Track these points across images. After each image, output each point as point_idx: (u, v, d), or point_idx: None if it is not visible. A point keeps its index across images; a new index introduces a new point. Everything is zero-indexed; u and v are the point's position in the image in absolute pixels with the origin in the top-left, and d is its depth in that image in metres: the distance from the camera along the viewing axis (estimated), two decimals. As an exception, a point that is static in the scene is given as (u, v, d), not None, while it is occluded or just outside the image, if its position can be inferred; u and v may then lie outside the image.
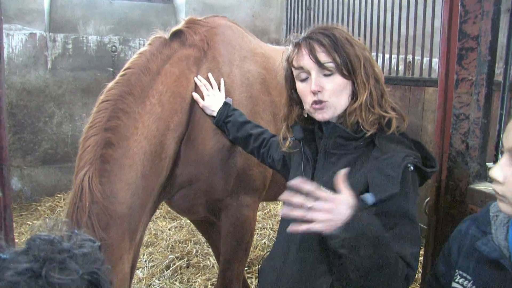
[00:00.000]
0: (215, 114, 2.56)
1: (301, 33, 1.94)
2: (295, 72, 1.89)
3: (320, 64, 1.78)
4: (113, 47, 6.36)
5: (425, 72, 5.11)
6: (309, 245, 1.86)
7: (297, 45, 1.86)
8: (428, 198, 2.25)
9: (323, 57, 1.78)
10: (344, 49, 1.78)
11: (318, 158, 1.95)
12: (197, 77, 2.62)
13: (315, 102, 1.82)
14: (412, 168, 1.68)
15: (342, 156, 1.85)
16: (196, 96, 2.57)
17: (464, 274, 1.59)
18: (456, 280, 1.61)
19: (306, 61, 1.81)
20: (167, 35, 2.61)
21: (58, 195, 6.17)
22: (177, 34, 2.63)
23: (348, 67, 1.79)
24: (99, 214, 2.07)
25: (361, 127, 1.79)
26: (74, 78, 6.24)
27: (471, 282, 1.55)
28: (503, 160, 1.38)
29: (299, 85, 1.89)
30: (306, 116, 2.00)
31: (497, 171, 1.38)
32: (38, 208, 5.87)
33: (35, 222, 5.44)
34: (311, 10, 6.65)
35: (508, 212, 1.42)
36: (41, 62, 6.05)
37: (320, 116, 1.84)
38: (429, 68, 4.98)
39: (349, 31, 1.88)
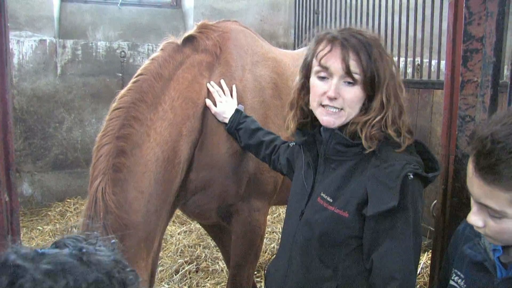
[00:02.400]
0: (227, 120, 2.55)
1: (334, 28, 1.88)
2: (316, 68, 1.83)
3: (348, 72, 1.74)
4: (122, 53, 6.40)
5: (434, 75, 5.09)
6: (311, 250, 1.86)
7: (331, 43, 1.79)
8: (436, 201, 2.23)
9: (353, 66, 1.74)
10: (376, 63, 1.75)
11: (319, 163, 1.94)
12: (209, 82, 2.61)
13: (328, 106, 1.79)
14: (411, 176, 1.67)
15: (342, 162, 1.85)
16: (208, 102, 2.56)
17: (459, 273, 1.63)
18: (452, 278, 1.65)
19: (334, 63, 1.76)
20: (179, 41, 2.60)
21: (69, 200, 6.20)
22: (189, 39, 2.62)
23: (372, 83, 1.76)
24: (113, 224, 2.06)
25: (362, 140, 1.76)
26: (84, 83, 6.29)
27: (464, 281, 1.60)
28: (474, 208, 1.43)
29: (315, 81, 1.85)
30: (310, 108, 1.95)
31: (474, 218, 1.43)
32: (49, 213, 5.90)
33: (45, 227, 5.48)
34: (319, 14, 6.65)
35: (494, 243, 1.47)
36: (51, 68, 6.11)
37: (327, 121, 1.81)
38: (437, 70, 4.96)
39: None
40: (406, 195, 1.67)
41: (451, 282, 1.66)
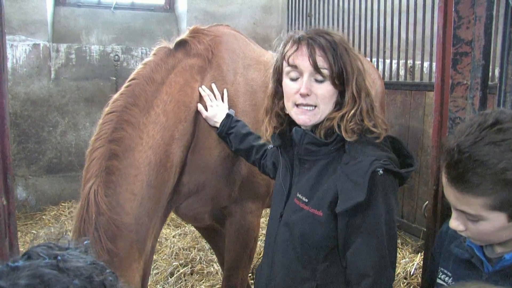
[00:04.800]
0: (218, 125, 2.58)
1: (300, 29, 1.93)
2: (286, 69, 1.88)
3: (316, 68, 1.78)
4: (116, 56, 6.40)
5: (426, 77, 5.13)
6: (290, 251, 1.89)
7: (297, 43, 1.84)
8: (427, 202, 2.26)
9: (320, 61, 1.79)
10: (342, 58, 1.80)
11: (294, 165, 1.98)
12: (201, 87, 2.63)
13: (302, 105, 1.83)
14: (381, 172, 1.68)
15: (315, 162, 1.87)
16: (200, 107, 2.58)
17: (445, 271, 1.68)
18: (439, 276, 1.70)
19: (302, 61, 1.81)
20: (171, 45, 2.62)
21: (63, 204, 6.20)
22: (181, 44, 2.64)
23: (341, 78, 1.80)
24: (105, 225, 2.08)
25: (340, 134, 1.79)
26: (78, 87, 6.29)
27: (451, 278, 1.65)
28: (454, 214, 1.49)
29: (287, 82, 1.89)
30: (286, 112, 1.99)
31: (455, 223, 1.50)
32: (43, 217, 5.90)
33: (39, 231, 5.47)
34: (312, 17, 6.68)
35: (477, 243, 1.54)
36: (44, 72, 6.11)
37: (302, 120, 1.85)
38: (429, 73, 5.01)
39: (349, 37, 1.89)
40: (375, 191, 1.69)
41: (438, 281, 1.70)
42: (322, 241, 1.80)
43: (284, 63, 1.89)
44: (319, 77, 1.80)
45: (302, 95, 1.81)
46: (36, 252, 0.95)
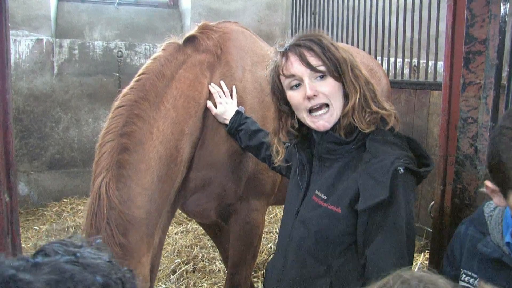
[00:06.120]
0: (227, 122, 2.58)
1: (283, 41, 1.96)
2: (286, 82, 1.90)
3: (312, 68, 1.80)
4: (119, 52, 6.38)
5: (430, 76, 5.10)
6: (305, 248, 1.89)
7: (285, 54, 1.88)
8: (433, 202, 2.24)
9: (313, 61, 1.81)
10: (331, 52, 1.82)
11: (314, 163, 1.98)
12: (210, 83, 2.63)
13: (312, 109, 1.83)
14: (402, 170, 1.69)
15: (336, 161, 1.88)
16: (209, 104, 2.59)
17: (469, 273, 1.65)
18: (462, 279, 1.66)
19: (297, 67, 1.83)
20: (180, 41, 2.61)
21: (65, 200, 6.19)
22: (190, 40, 2.63)
23: (337, 69, 1.82)
24: (117, 219, 2.08)
25: (358, 127, 1.81)
26: (81, 83, 6.27)
27: (477, 280, 1.61)
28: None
29: (291, 94, 1.90)
30: (297, 126, 2.01)
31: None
32: (45, 213, 5.89)
33: (42, 227, 5.46)
34: (316, 15, 6.66)
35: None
36: (47, 68, 6.09)
37: (321, 125, 1.85)
38: (434, 72, 4.98)
39: (354, 35, 1.90)
40: (396, 189, 1.69)
41: (462, 283, 1.66)
42: (339, 237, 1.80)
43: (281, 78, 1.91)
44: (319, 75, 1.82)
45: (310, 97, 1.82)
46: (53, 249, 0.93)
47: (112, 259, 0.98)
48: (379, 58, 5.56)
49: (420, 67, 5.25)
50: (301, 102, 1.85)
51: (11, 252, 1.99)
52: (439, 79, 4.83)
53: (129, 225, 2.11)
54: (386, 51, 5.53)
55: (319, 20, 6.62)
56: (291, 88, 1.89)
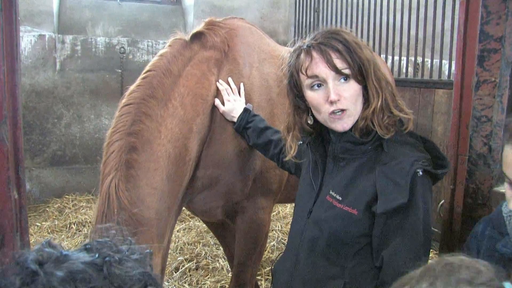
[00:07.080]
0: (235, 119, 2.55)
1: (305, 38, 1.88)
2: (307, 81, 1.82)
3: (337, 71, 1.74)
4: (122, 49, 6.35)
5: (435, 74, 5.08)
6: (318, 249, 1.86)
7: (309, 53, 1.79)
8: (443, 201, 2.22)
9: (339, 63, 1.74)
10: (357, 53, 1.75)
11: (327, 162, 1.94)
12: (218, 80, 2.60)
13: (334, 112, 1.78)
14: (420, 173, 1.67)
15: (351, 161, 1.84)
16: (217, 102, 2.56)
17: None
18: None
19: (321, 69, 1.75)
20: (187, 37, 2.58)
21: (67, 196, 6.16)
22: (197, 36, 2.60)
23: (361, 72, 1.76)
24: (127, 220, 2.04)
25: (376, 132, 1.76)
26: (83, 79, 6.24)
27: None
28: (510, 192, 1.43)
29: (312, 95, 1.83)
30: (311, 122, 1.95)
31: None
32: (47, 209, 5.87)
33: (43, 223, 5.44)
34: (320, 12, 6.64)
35: None
36: (50, 64, 6.06)
37: (340, 126, 1.79)
38: (439, 70, 4.96)
39: (357, 33, 1.86)
40: (415, 192, 1.67)
41: None
42: (354, 239, 1.77)
43: (302, 76, 1.83)
44: (343, 78, 1.76)
45: (333, 102, 1.75)
46: (95, 247, 0.98)
47: (147, 272, 0.99)
48: (383, 56, 5.54)
49: (424, 66, 5.23)
50: (322, 104, 1.79)
51: (20, 249, 1.97)
52: (443, 77, 4.82)
53: (140, 226, 2.07)
54: (390, 49, 5.51)
55: (322, 17, 6.60)
56: (312, 87, 1.82)
